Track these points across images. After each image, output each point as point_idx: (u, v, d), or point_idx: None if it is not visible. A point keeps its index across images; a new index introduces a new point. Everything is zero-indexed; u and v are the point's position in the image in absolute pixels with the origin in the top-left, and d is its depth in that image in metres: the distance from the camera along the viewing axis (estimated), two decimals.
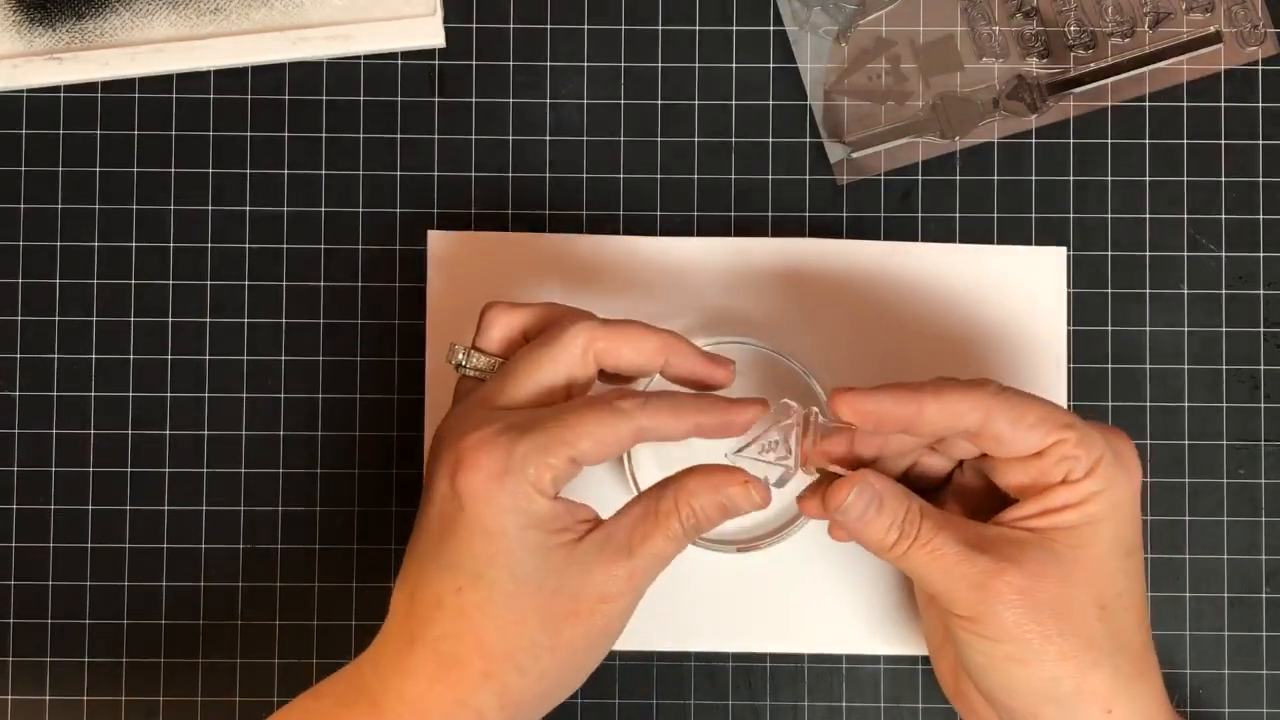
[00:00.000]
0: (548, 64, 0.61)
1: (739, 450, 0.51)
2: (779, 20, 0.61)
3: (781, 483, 0.51)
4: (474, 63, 0.61)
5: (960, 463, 0.54)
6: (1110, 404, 0.60)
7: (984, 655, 0.49)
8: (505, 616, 0.48)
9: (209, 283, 0.60)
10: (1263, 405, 0.60)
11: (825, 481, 0.50)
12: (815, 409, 0.51)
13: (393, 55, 0.61)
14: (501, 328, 0.53)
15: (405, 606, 0.49)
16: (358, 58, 0.61)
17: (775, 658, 0.60)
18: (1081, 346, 0.60)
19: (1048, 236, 0.60)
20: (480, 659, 0.48)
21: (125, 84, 0.61)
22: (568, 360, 0.50)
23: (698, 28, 0.61)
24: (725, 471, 0.50)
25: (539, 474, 0.47)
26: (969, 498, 0.53)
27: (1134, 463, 0.50)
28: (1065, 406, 0.49)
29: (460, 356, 0.52)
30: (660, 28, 0.61)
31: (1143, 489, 0.59)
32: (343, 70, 0.61)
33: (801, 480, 0.52)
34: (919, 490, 0.54)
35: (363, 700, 0.49)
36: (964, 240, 0.60)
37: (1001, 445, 0.49)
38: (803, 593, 0.59)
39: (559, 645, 0.48)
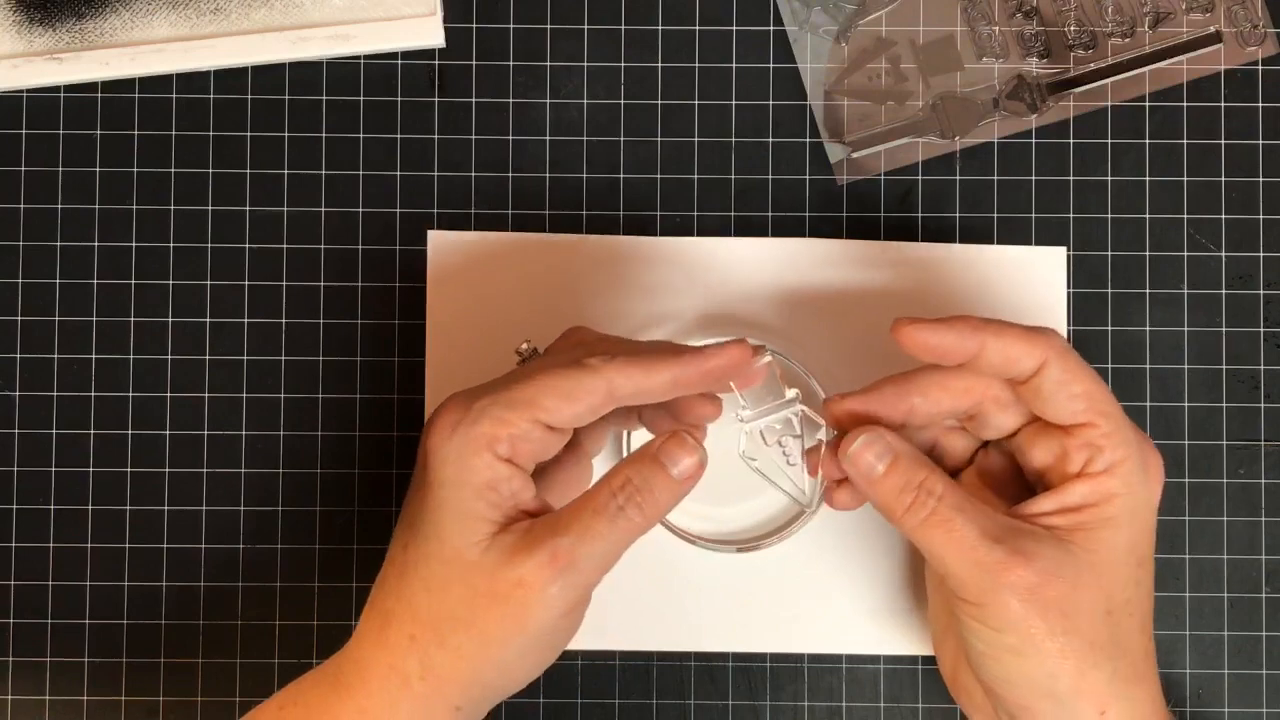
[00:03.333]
0: (548, 64, 0.61)
1: (750, 420, 0.51)
2: (779, 20, 0.61)
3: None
4: (474, 63, 0.61)
5: (984, 444, 0.54)
6: None
7: (985, 644, 0.49)
8: (433, 579, 0.47)
9: (209, 283, 0.60)
10: (1263, 405, 0.60)
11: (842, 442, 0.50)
12: (804, 408, 0.52)
13: (393, 55, 0.61)
14: (578, 348, 0.52)
15: (380, 574, 0.50)
16: (358, 58, 0.61)
17: (775, 658, 0.60)
18: (1081, 346, 0.60)
19: (1048, 236, 0.60)
20: (410, 620, 0.48)
21: (125, 84, 0.61)
22: (577, 393, 0.48)
23: (698, 28, 0.61)
24: (659, 436, 0.48)
25: (494, 429, 0.47)
26: (989, 482, 0.53)
27: (1158, 475, 0.50)
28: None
29: (525, 349, 0.53)
30: (660, 28, 0.61)
31: None
32: (343, 70, 0.61)
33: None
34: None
35: (329, 672, 0.50)
36: (964, 240, 0.60)
37: (1040, 400, 0.49)
38: (803, 593, 0.59)
39: (475, 624, 0.47)
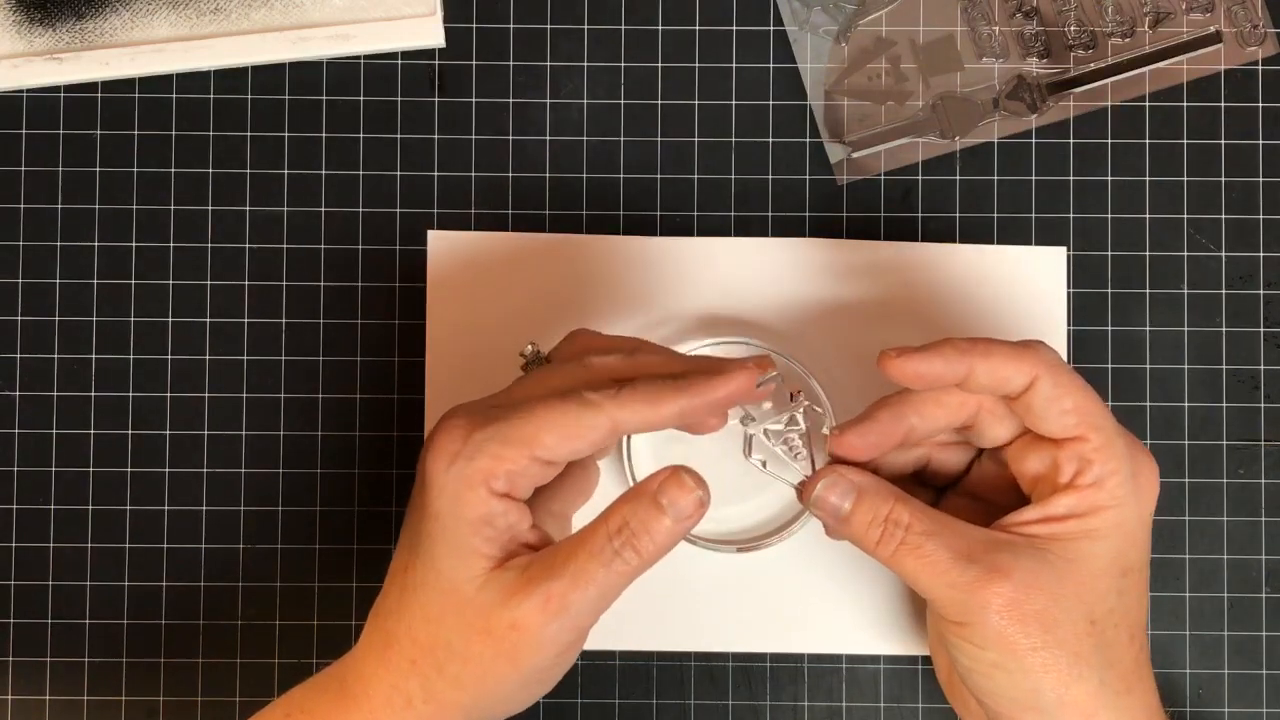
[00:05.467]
0: (548, 64, 0.61)
1: (750, 420, 0.50)
2: (779, 20, 0.61)
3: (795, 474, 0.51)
4: (474, 63, 0.61)
5: (980, 453, 0.54)
6: (1110, 404, 0.60)
7: (971, 660, 0.49)
8: (430, 607, 0.47)
9: (209, 283, 0.60)
10: (1263, 405, 0.60)
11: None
12: (806, 403, 0.52)
13: (393, 55, 0.61)
14: (581, 352, 0.51)
15: (384, 584, 0.50)
16: (358, 58, 0.61)
17: (775, 658, 0.60)
18: (1081, 346, 0.60)
19: (1048, 236, 0.60)
20: (409, 644, 0.48)
21: (125, 84, 0.61)
22: (578, 430, 0.47)
23: (698, 28, 0.61)
24: (656, 475, 0.47)
25: (491, 465, 0.46)
26: (985, 493, 0.53)
27: (1150, 486, 0.50)
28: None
29: (529, 351, 0.52)
30: (660, 28, 0.61)
31: None
32: (343, 70, 0.61)
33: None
34: (934, 486, 0.54)
35: (333, 682, 0.50)
36: (964, 240, 0.60)
37: (1032, 415, 0.49)
38: (803, 593, 0.59)
39: (470, 658, 0.47)
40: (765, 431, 0.51)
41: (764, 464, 0.51)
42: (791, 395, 0.51)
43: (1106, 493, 0.48)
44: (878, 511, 0.49)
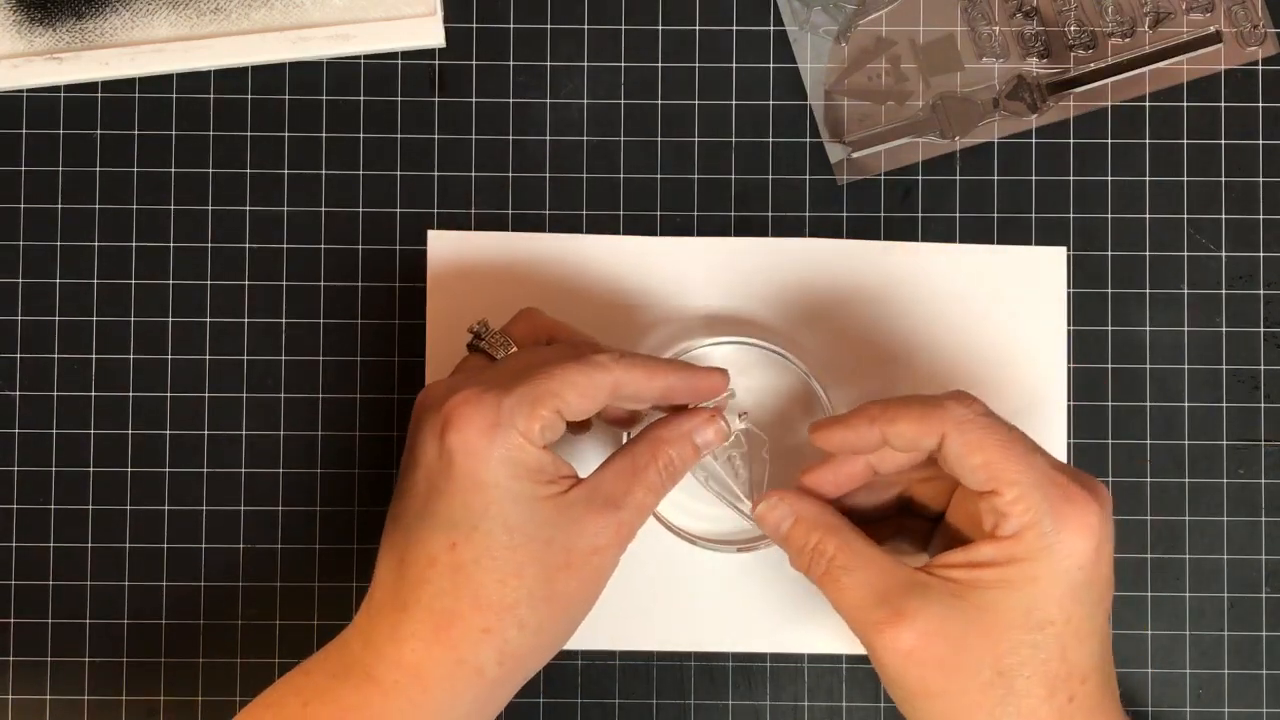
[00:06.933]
0: (548, 64, 0.61)
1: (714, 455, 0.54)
2: (779, 20, 0.61)
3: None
4: (474, 63, 0.61)
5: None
6: (1110, 404, 0.60)
7: (890, 694, 0.50)
8: (504, 569, 0.48)
9: (209, 283, 0.60)
10: (1263, 405, 0.60)
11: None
12: (750, 426, 0.55)
13: (393, 55, 0.61)
14: (533, 329, 0.55)
15: (393, 573, 0.50)
16: (358, 58, 0.61)
17: (775, 658, 0.60)
18: (1081, 346, 0.60)
19: (1048, 236, 0.60)
20: (478, 614, 0.48)
21: (125, 84, 0.61)
22: (591, 389, 0.50)
23: (698, 28, 0.61)
24: (692, 415, 0.53)
25: (528, 425, 0.49)
26: (962, 523, 0.53)
27: (1079, 538, 0.48)
28: (1063, 428, 0.48)
29: (479, 328, 0.54)
30: (660, 28, 0.61)
31: (1143, 489, 0.59)
32: (343, 70, 0.61)
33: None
34: (927, 517, 0.54)
35: (355, 671, 0.49)
36: (964, 240, 0.60)
37: (950, 470, 0.50)
38: (803, 593, 0.59)
39: (554, 596, 0.49)
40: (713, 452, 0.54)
41: (706, 476, 0.54)
42: (739, 415, 0.55)
43: (1023, 546, 0.48)
44: (807, 540, 0.51)
